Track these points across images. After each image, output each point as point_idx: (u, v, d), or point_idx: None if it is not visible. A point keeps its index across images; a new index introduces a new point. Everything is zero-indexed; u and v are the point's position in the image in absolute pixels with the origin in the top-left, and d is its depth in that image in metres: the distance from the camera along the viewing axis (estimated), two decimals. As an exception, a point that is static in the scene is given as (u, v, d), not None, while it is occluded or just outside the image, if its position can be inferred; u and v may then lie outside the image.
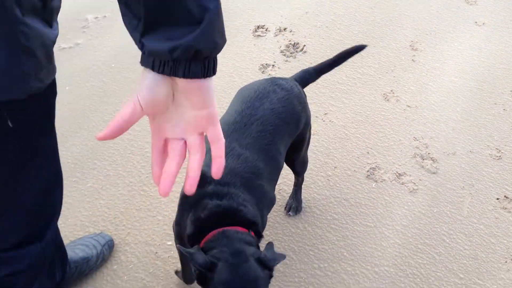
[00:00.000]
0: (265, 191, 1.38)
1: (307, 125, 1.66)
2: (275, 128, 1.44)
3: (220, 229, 1.20)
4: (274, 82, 1.55)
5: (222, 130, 1.37)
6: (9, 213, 0.97)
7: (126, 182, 2.05)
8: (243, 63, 2.78)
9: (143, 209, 1.95)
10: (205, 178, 1.25)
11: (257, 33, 3.02)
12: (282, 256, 1.19)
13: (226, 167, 1.27)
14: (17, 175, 0.93)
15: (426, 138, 2.38)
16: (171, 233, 1.88)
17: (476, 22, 3.16)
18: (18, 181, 0.94)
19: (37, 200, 1.01)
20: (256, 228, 1.30)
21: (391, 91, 2.64)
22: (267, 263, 1.14)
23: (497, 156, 2.30)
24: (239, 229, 1.23)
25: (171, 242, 1.83)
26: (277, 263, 1.17)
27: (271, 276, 1.17)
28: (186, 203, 1.32)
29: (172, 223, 1.51)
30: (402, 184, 2.17)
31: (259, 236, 1.31)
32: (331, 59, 1.76)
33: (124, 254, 1.79)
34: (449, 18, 3.20)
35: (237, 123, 1.41)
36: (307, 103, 1.66)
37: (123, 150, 2.18)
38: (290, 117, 1.51)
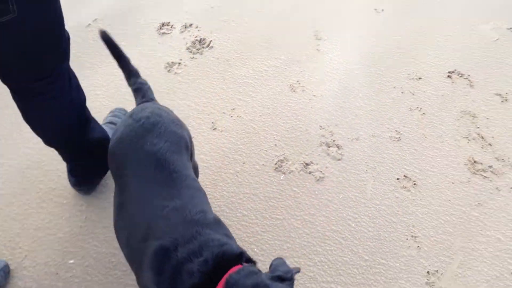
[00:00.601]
0: (218, 219, 1.29)
1: (191, 137, 1.58)
2: (176, 164, 1.33)
3: (222, 283, 1.09)
4: (137, 120, 1.40)
5: (135, 199, 1.27)
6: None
7: (22, 201, 1.92)
8: (148, 63, 2.69)
9: (42, 228, 1.83)
10: (165, 250, 1.15)
11: (162, 31, 2.93)
12: (296, 268, 1.14)
13: (176, 224, 1.18)
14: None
15: (331, 126, 2.43)
16: (73, 250, 1.79)
17: (375, 9, 3.25)
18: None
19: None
20: (246, 256, 1.21)
21: (298, 81, 2.66)
22: (284, 276, 1.08)
23: (397, 138, 2.38)
24: (236, 268, 1.12)
25: (73, 260, 1.74)
26: (294, 272, 1.11)
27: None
28: (164, 281, 1.15)
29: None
30: (310, 173, 2.20)
31: (253, 262, 1.21)
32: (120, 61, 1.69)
33: (22, 279, 1.68)
34: (351, 6, 3.26)
35: (141, 185, 1.29)
36: (177, 116, 1.56)
37: (18, 165, 2.04)
38: (179, 144, 1.41)
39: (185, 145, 1.45)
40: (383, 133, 2.41)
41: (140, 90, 1.63)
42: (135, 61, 2.64)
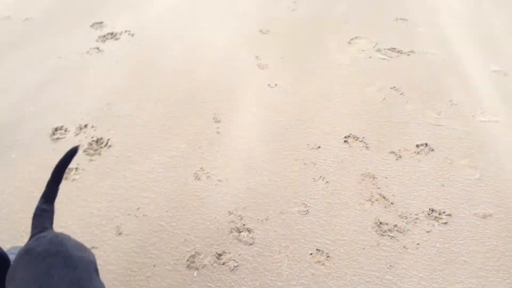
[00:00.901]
0: None
1: (95, 257, 1.53)
2: None
3: None
4: (36, 256, 1.33)
5: None
6: None
7: None
8: (42, 174, 2.59)
9: None
10: None
11: (55, 136, 2.87)
12: None
13: None
14: None
15: (239, 210, 2.45)
16: None
17: (269, 85, 3.43)
18: None
19: None
20: None
21: (201, 168, 2.69)
22: None
23: (305, 211, 2.45)
24: None
25: None
26: None
27: None
28: None
29: None
30: (223, 264, 2.18)
31: None
32: (51, 179, 1.59)
33: None
34: (244, 84, 3.42)
35: None
36: (76, 240, 1.49)
37: None
38: (89, 269, 1.36)
39: (94, 268, 1.41)
40: (291, 209, 2.47)
41: (38, 217, 1.54)
42: (27, 174, 2.57)
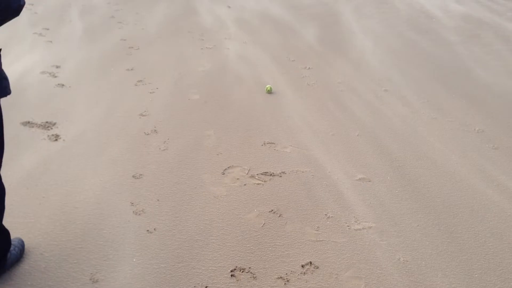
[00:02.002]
0: None
1: None
2: None
3: None
4: None
5: None
6: None
7: None
8: None
9: None
10: None
11: None
12: None
13: None
14: None
15: None
16: None
17: (148, 230, 3.46)
18: None
19: None
20: None
21: None
22: None
23: None
24: None
25: None
26: None
27: None
28: None
29: None
30: None
31: None
32: None
33: None
34: (121, 235, 3.41)
35: None
36: None
37: None
38: None
39: None
40: None
41: None
42: None
